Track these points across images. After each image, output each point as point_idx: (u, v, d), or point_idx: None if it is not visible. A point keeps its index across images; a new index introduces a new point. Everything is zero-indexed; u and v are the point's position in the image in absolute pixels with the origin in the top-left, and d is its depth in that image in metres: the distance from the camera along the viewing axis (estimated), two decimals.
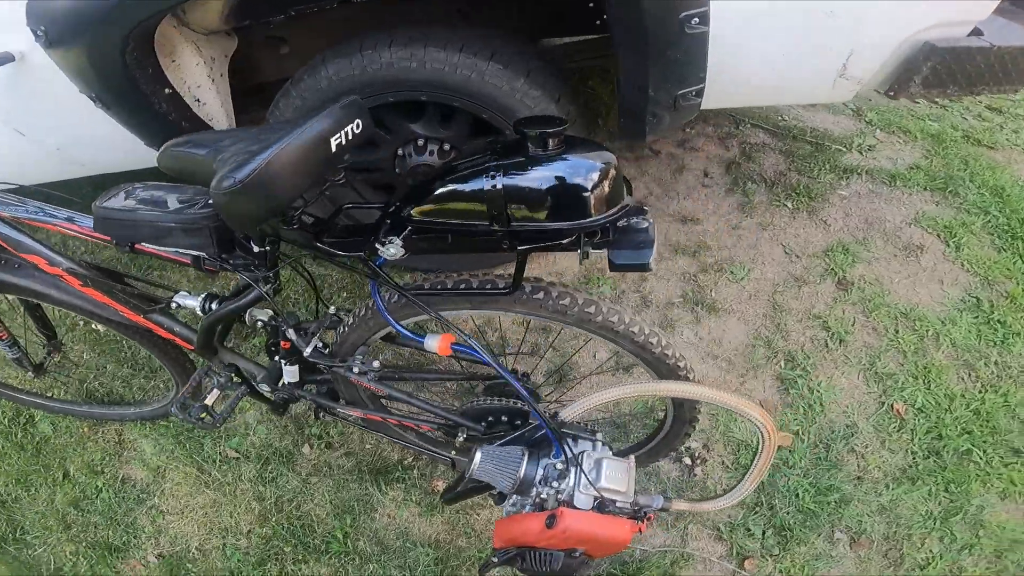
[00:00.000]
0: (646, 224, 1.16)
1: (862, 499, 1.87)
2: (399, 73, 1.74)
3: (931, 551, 1.78)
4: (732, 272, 2.37)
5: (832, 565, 1.78)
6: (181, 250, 1.31)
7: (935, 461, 1.92)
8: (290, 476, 1.99)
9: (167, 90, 1.81)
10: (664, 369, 1.41)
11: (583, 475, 1.27)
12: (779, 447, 1.91)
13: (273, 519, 1.92)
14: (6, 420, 2.22)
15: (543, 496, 1.29)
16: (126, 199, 1.29)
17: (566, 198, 1.04)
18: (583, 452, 1.33)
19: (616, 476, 1.29)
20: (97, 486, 2.04)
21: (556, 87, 1.82)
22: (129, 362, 2.34)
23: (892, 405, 2.03)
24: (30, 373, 1.95)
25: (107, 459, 2.11)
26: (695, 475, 1.91)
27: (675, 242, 2.48)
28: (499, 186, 1.04)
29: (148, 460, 2.07)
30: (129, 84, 1.71)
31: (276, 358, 1.54)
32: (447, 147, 2.02)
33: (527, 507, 1.30)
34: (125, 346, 2.36)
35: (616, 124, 1.89)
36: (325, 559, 1.84)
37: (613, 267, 1.13)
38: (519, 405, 1.48)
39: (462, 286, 1.29)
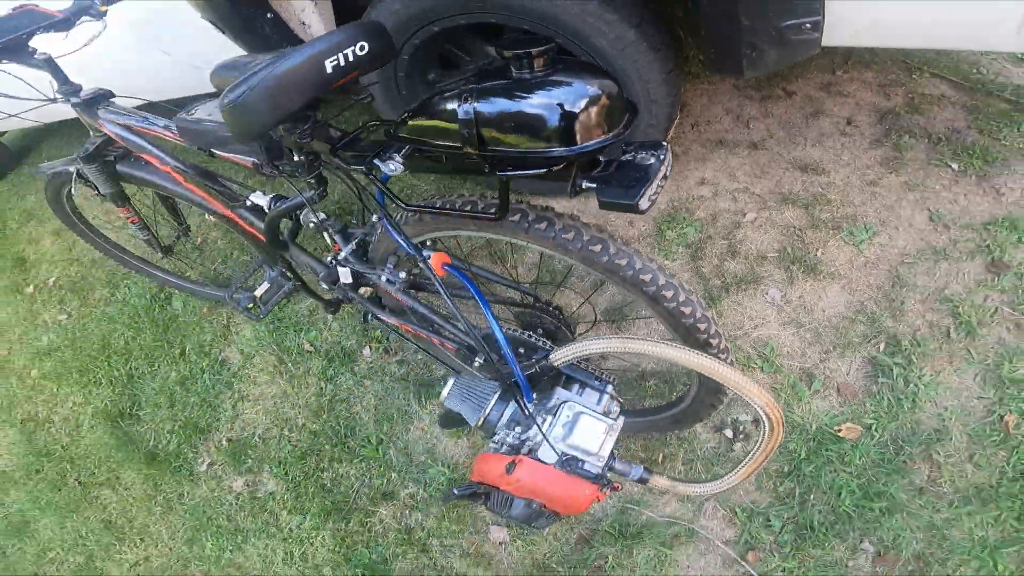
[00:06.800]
0: (651, 161, 1.07)
1: (913, 512, 1.56)
2: None
3: None
4: (851, 232, 2.04)
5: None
6: (242, 156, 1.44)
7: (1023, 485, 1.55)
8: (348, 376, 2.11)
9: (269, 15, 1.94)
10: (680, 328, 1.26)
11: (553, 427, 1.21)
12: (841, 439, 1.67)
13: (324, 416, 2.05)
14: (148, 296, 2.59)
15: (511, 440, 1.24)
16: (202, 111, 1.44)
17: (539, 124, 0.96)
18: (564, 402, 1.25)
19: (589, 435, 1.21)
20: (202, 367, 2.31)
21: (636, 11, 1.65)
22: (244, 250, 2.63)
23: (1003, 416, 1.64)
24: (159, 253, 2.24)
25: (215, 341, 2.38)
26: (732, 450, 1.71)
27: (787, 191, 2.18)
28: (470, 109, 0.99)
29: (244, 345, 2.30)
30: (232, 12, 1.88)
31: (330, 259, 1.62)
32: None
33: (503, 447, 1.25)
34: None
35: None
36: (356, 461, 1.94)
37: (601, 204, 1.06)
38: (536, 339, 1.41)
39: (451, 207, 1.26)
